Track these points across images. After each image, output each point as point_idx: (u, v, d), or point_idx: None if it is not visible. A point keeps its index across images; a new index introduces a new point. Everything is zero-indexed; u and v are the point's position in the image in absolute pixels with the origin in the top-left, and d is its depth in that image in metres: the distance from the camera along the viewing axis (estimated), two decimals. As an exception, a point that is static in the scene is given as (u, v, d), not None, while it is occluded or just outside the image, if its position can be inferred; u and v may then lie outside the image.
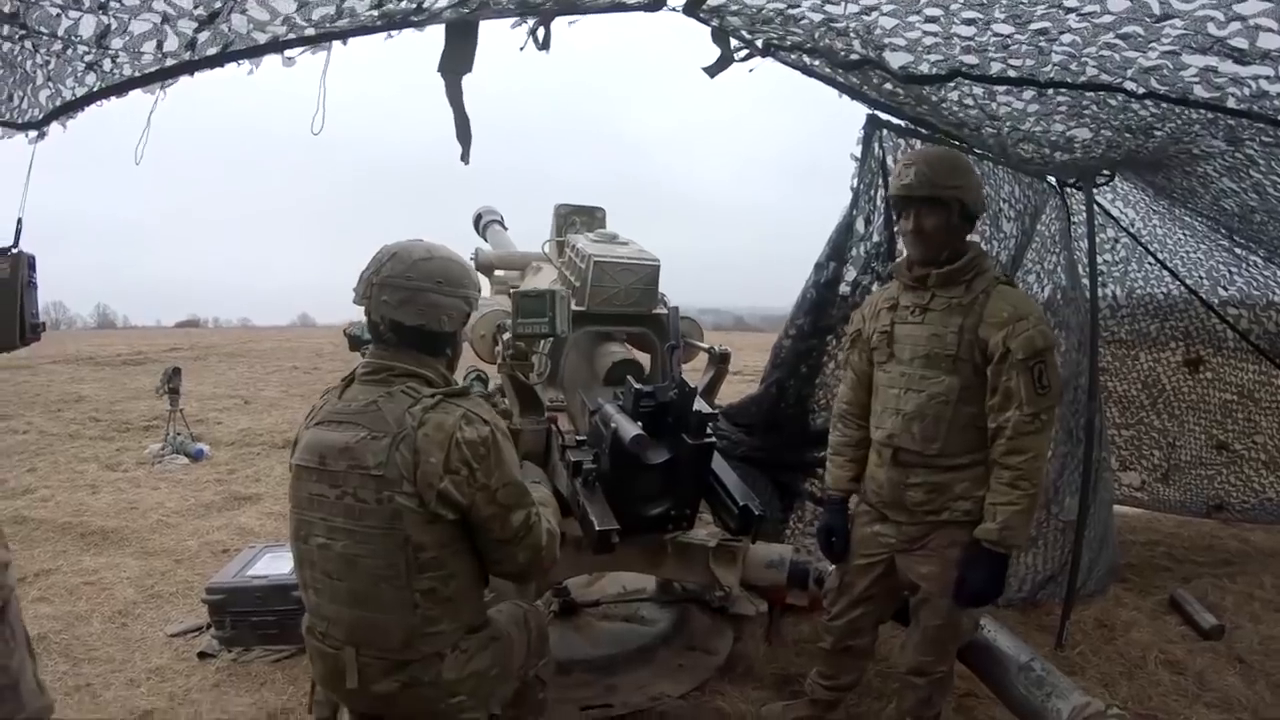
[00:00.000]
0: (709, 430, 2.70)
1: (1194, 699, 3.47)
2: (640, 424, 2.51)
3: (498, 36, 2.49)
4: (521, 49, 2.39)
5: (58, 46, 2.60)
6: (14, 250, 2.35)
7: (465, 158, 2.52)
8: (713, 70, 2.89)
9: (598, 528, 2.47)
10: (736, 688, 3.44)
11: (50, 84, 2.75)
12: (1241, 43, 2.05)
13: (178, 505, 6.29)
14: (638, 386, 2.60)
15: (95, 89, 2.36)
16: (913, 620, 2.77)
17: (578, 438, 2.80)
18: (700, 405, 2.70)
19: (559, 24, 2.50)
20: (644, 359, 3.45)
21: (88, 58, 2.57)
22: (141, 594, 4.57)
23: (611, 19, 2.53)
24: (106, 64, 2.33)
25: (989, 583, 2.52)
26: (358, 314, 2.21)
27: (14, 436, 8.94)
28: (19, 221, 2.42)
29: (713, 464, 2.80)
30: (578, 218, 3.86)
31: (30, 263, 2.32)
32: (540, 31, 2.41)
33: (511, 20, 2.36)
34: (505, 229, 4.63)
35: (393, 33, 2.15)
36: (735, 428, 4.05)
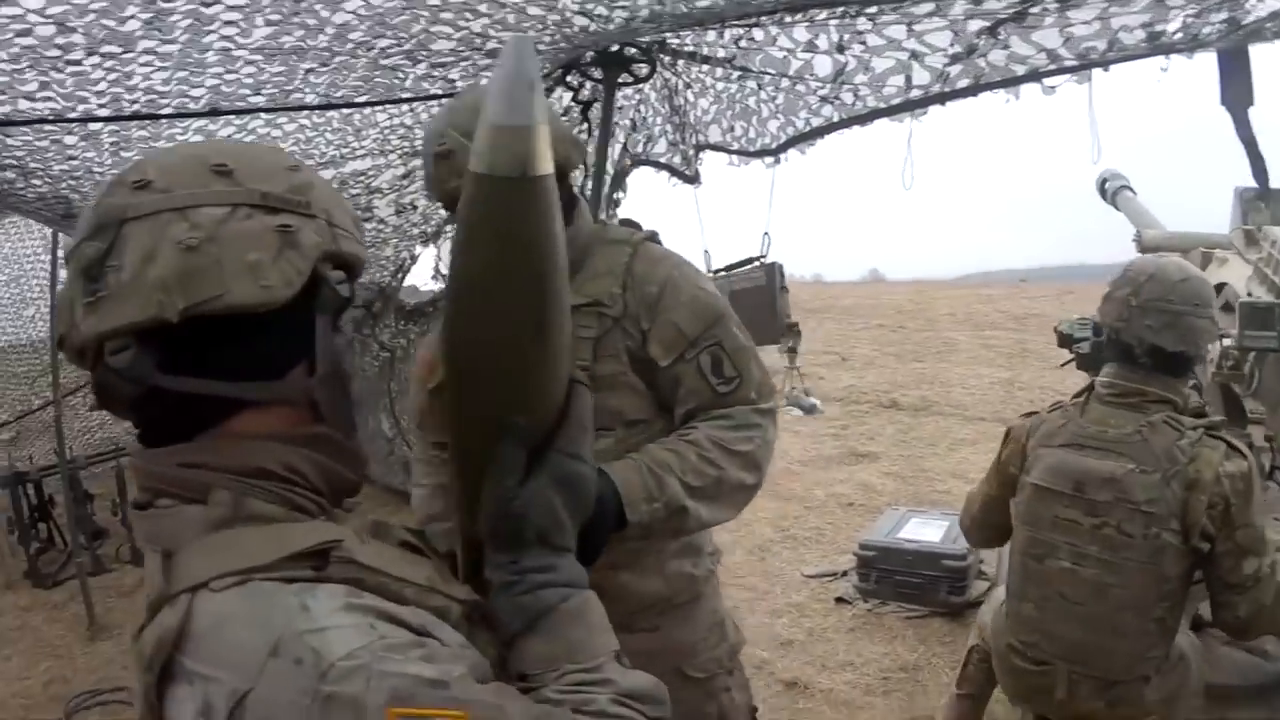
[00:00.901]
0: None
1: None
2: None
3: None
4: None
5: (785, 84, 3.08)
6: (764, 259, 2.89)
7: (1264, 195, 2.40)
8: None
9: None
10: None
11: (780, 116, 3.27)
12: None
13: (800, 455, 7.08)
14: None
15: (834, 120, 2.73)
16: None
17: None
18: None
19: None
20: None
21: (820, 92, 3.00)
22: (778, 533, 5.28)
23: None
24: (847, 97, 2.69)
25: None
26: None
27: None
28: (765, 235, 2.95)
29: None
30: (1263, 202, 3.44)
31: (780, 271, 2.82)
32: None
33: None
34: (1134, 193, 4.31)
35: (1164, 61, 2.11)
36: None
